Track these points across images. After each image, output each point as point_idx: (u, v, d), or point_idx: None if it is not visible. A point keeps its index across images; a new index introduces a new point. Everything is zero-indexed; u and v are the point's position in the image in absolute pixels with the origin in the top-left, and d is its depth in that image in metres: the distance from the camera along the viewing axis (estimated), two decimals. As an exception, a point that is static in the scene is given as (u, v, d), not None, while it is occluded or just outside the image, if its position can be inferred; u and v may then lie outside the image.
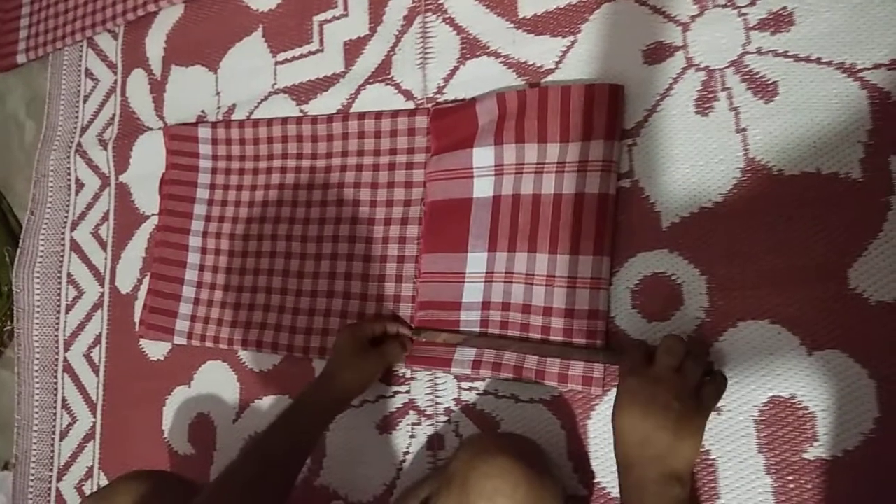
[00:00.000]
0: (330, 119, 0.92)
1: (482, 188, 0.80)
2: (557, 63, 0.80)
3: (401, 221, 0.86)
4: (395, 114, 0.88)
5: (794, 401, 0.65)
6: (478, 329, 0.78)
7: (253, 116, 1.01)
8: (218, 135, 1.02)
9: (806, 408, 0.64)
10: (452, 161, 0.82)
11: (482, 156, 0.80)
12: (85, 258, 1.16)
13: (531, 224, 0.76)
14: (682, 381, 0.60)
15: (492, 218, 0.79)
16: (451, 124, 0.83)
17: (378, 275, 0.87)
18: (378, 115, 0.89)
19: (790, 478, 0.64)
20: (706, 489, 0.67)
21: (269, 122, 0.97)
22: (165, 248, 1.04)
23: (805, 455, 0.64)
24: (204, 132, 1.03)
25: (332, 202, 0.91)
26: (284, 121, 0.96)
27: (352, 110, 0.93)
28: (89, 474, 1.09)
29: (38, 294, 1.19)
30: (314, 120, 0.93)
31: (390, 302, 0.85)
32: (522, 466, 0.57)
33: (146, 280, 1.07)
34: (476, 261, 0.79)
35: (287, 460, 0.71)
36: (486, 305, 0.78)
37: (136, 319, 1.07)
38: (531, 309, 0.75)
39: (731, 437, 0.67)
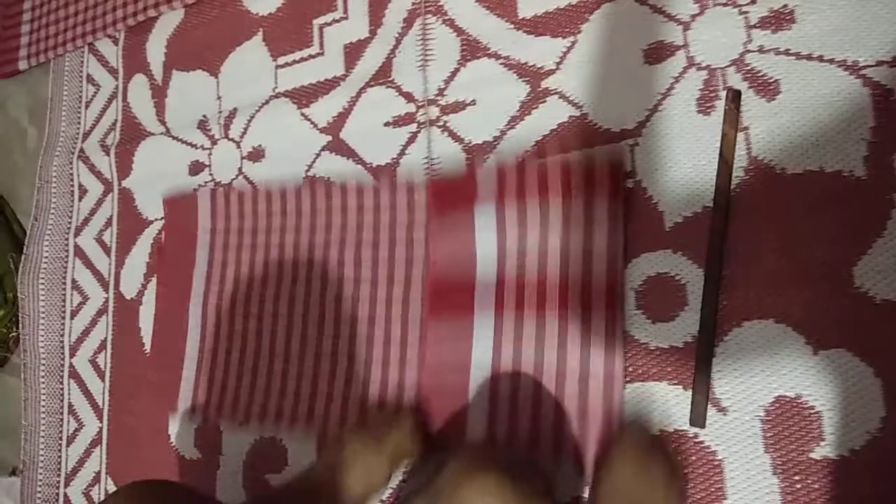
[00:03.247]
0: (329, 193, 0.91)
1: (485, 251, 0.78)
2: (558, 64, 0.80)
3: (402, 301, 0.84)
4: (393, 188, 0.86)
5: (800, 400, 0.64)
6: (488, 393, 0.76)
7: (254, 120, 1.01)
8: (217, 207, 1.01)
9: (812, 407, 0.64)
10: (453, 231, 0.80)
11: (484, 218, 0.78)
12: (89, 264, 1.17)
13: (538, 288, 0.75)
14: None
15: (497, 283, 0.77)
16: (450, 199, 0.82)
17: (382, 359, 0.84)
18: (377, 190, 0.87)
19: (797, 477, 0.64)
20: (713, 489, 0.67)
21: (268, 193, 0.96)
22: (163, 325, 1.03)
23: (812, 455, 0.63)
24: (203, 204, 1.02)
25: (332, 280, 0.89)
26: (283, 193, 0.95)
27: (353, 113, 0.93)
28: (97, 479, 1.10)
29: (42, 300, 1.20)
30: (313, 193, 0.92)
31: (392, 388, 0.83)
32: (509, 483, 0.57)
33: (150, 285, 1.07)
34: (483, 326, 0.77)
35: None
36: (494, 369, 0.76)
37: (141, 325, 1.07)
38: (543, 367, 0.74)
39: (737, 437, 0.66)
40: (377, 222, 0.87)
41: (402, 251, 0.85)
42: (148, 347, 1.06)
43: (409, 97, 0.89)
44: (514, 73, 0.83)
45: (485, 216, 0.79)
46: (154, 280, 1.06)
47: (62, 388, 1.16)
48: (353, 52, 0.95)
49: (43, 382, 1.18)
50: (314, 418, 0.87)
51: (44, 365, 1.18)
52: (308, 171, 0.95)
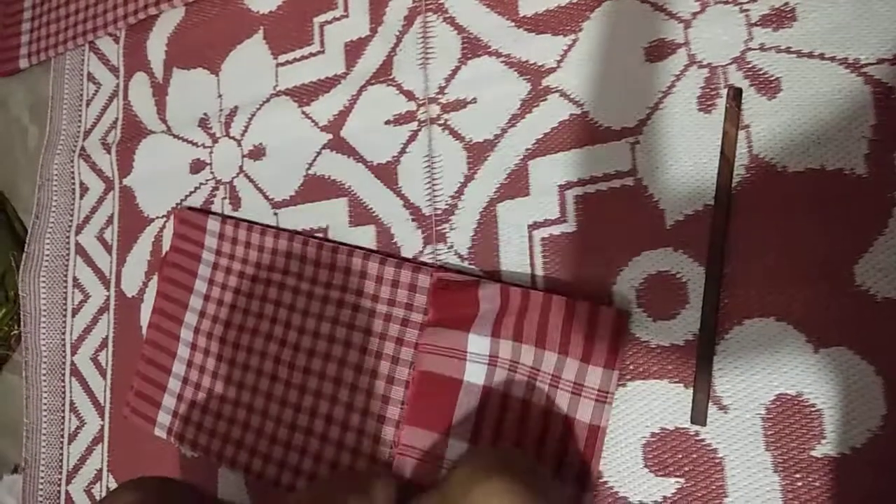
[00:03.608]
0: (336, 249, 0.90)
1: (473, 374, 0.77)
2: (559, 62, 0.80)
3: (386, 379, 0.83)
4: (399, 264, 0.85)
5: (801, 398, 0.64)
6: None
7: (255, 119, 1.01)
8: (226, 231, 1.00)
9: (813, 405, 0.64)
10: (447, 339, 0.79)
11: (477, 343, 0.77)
12: (90, 262, 1.17)
13: (517, 431, 0.74)
14: None
15: (478, 408, 0.76)
16: (451, 301, 0.80)
17: (358, 428, 0.84)
18: (383, 260, 0.86)
19: (798, 475, 0.64)
20: (714, 487, 0.67)
21: (277, 233, 0.95)
22: (157, 333, 1.02)
23: (813, 452, 0.63)
24: (213, 225, 1.01)
25: (323, 336, 0.89)
26: (291, 237, 0.94)
27: (354, 111, 0.93)
28: (98, 477, 1.10)
29: (44, 298, 1.20)
30: (320, 245, 0.91)
31: (364, 460, 0.83)
32: (517, 487, 0.56)
33: (151, 283, 1.08)
34: (456, 449, 0.76)
35: None
36: None
37: (142, 323, 1.08)
38: None
39: (738, 436, 0.67)
40: (373, 310, 0.86)
41: (391, 348, 0.84)
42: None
43: (409, 95, 0.89)
44: (515, 71, 0.83)
45: (479, 345, 0.77)
46: (155, 278, 1.07)
47: (64, 386, 1.16)
48: (354, 51, 0.95)
49: (44, 380, 1.18)
50: (286, 468, 0.87)
51: (45, 363, 1.18)
52: (308, 169, 0.96)
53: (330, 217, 0.93)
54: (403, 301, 0.85)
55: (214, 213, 1.03)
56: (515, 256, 0.80)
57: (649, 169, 0.74)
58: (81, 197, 1.19)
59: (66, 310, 1.18)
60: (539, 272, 0.79)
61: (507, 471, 0.58)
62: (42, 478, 1.16)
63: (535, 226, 0.79)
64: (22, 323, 1.21)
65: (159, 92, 1.14)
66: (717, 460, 0.67)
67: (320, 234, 0.94)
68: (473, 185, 0.84)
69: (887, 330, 0.62)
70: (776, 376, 0.65)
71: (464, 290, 0.80)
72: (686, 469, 0.68)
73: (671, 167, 0.73)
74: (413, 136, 0.88)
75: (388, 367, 0.84)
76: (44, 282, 1.20)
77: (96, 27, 1.20)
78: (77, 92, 1.24)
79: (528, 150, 0.81)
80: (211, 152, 1.06)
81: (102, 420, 1.11)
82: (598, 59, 0.78)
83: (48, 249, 1.21)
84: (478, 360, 0.77)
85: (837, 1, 0.67)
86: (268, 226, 0.98)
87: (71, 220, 1.20)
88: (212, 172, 1.05)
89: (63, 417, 1.15)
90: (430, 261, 0.85)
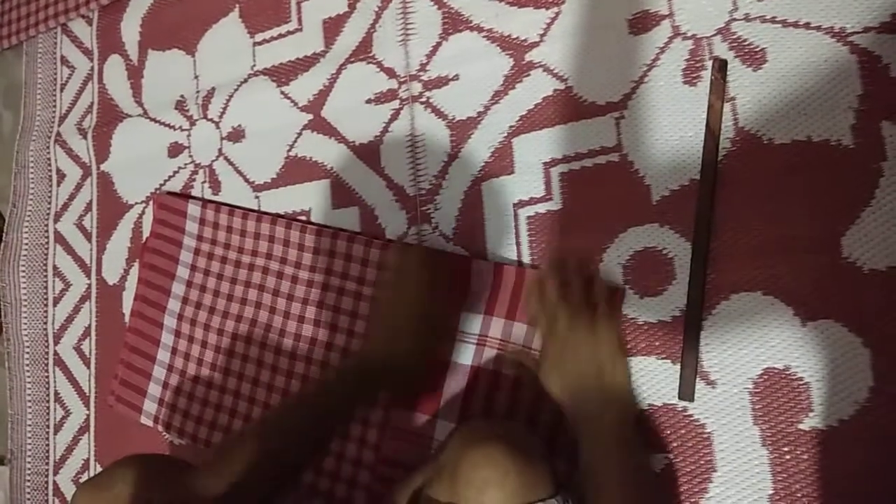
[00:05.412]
0: (320, 232, 0.88)
1: (461, 354, 0.76)
2: (542, 36, 0.79)
3: None
4: (384, 246, 0.84)
5: (788, 372, 0.64)
6: None
7: (233, 100, 0.99)
8: (207, 216, 0.98)
9: (801, 378, 0.64)
10: None
11: (469, 322, 0.76)
12: (70, 250, 1.15)
13: (509, 409, 0.73)
14: (581, 320, 0.67)
15: (467, 389, 0.75)
16: None
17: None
18: (368, 242, 0.84)
19: (786, 449, 0.64)
20: (702, 462, 0.67)
21: (259, 217, 0.93)
22: (140, 321, 1.01)
23: (800, 426, 0.63)
24: (193, 210, 0.98)
25: (309, 320, 0.87)
26: (274, 220, 0.92)
27: (334, 90, 0.91)
28: (86, 467, 1.09)
29: (24, 288, 1.18)
30: (304, 228, 0.89)
31: (355, 444, 0.81)
32: (513, 455, 0.57)
33: (133, 270, 1.06)
34: (444, 430, 0.75)
35: (302, 436, 0.70)
36: None
37: (125, 310, 1.06)
38: None
39: (726, 410, 0.66)
40: (359, 293, 0.85)
41: None
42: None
43: (390, 73, 0.87)
44: (498, 46, 0.81)
45: (470, 324, 0.76)
46: (136, 265, 1.05)
47: (47, 376, 1.15)
48: (333, 28, 0.92)
49: (28, 371, 1.16)
50: None
51: (28, 353, 1.16)
52: (289, 150, 0.94)
53: (312, 199, 0.92)
54: None
55: (195, 198, 1.01)
56: (501, 236, 0.79)
57: (634, 144, 0.73)
58: (59, 184, 1.17)
59: (47, 299, 1.16)
60: (525, 251, 0.78)
61: (496, 436, 0.58)
62: (29, 469, 1.15)
63: (520, 204, 0.78)
64: (2, 313, 1.19)
65: (135, 74, 1.11)
66: (705, 435, 0.67)
67: (303, 217, 0.92)
68: (457, 163, 0.82)
69: (875, 302, 0.62)
70: (763, 350, 0.65)
71: (455, 264, 0.79)
72: (674, 445, 0.68)
73: (656, 142, 0.72)
74: (395, 115, 0.87)
75: None
76: (23, 271, 1.18)
77: (68, 9, 1.17)
78: (51, 76, 1.21)
79: (511, 127, 0.79)
80: (189, 135, 1.04)
81: (88, 409, 1.10)
82: (581, 33, 0.77)
83: (27, 238, 1.19)
84: (467, 341, 0.76)
85: (823, -32, 0.66)
86: (249, 209, 0.96)
87: (49, 208, 1.18)
88: (190, 156, 1.03)
89: (48, 408, 1.14)
90: (415, 242, 0.84)
